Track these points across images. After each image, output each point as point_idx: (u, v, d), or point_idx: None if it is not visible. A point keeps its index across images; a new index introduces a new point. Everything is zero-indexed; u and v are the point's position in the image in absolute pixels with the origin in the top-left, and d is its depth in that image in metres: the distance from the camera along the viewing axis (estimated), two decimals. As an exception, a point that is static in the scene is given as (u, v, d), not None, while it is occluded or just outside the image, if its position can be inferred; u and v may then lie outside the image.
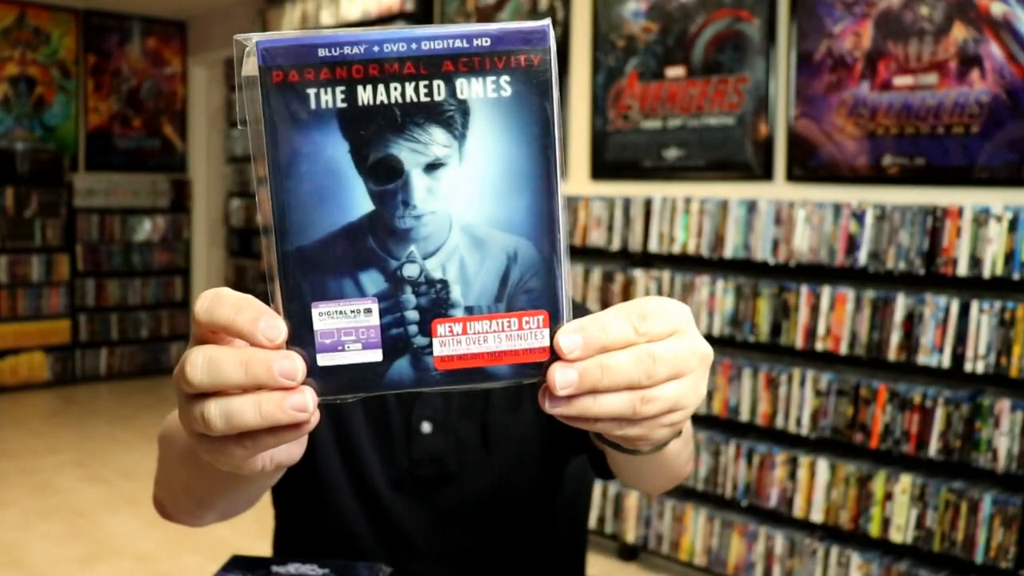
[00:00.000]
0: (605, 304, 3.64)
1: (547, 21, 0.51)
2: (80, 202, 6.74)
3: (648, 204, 3.54)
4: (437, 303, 0.52)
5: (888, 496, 2.87)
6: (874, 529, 2.90)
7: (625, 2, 3.70)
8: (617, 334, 0.52)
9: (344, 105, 0.51)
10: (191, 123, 7.39)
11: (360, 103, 0.51)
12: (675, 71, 3.55)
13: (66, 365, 6.72)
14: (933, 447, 2.76)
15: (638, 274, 3.54)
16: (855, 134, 3.04)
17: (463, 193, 0.51)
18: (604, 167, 3.82)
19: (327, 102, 0.51)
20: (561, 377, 0.51)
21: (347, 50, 0.50)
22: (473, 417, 1.18)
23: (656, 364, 0.53)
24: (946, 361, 2.74)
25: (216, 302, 0.52)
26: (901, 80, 2.92)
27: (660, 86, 3.59)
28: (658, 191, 3.60)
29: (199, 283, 7.30)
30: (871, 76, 2.99)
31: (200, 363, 0.51)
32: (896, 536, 2.85)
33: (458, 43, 0.50)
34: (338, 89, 0.50)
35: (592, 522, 3.70)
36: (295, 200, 0.51)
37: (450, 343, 0.52)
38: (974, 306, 2.69)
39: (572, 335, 0.52)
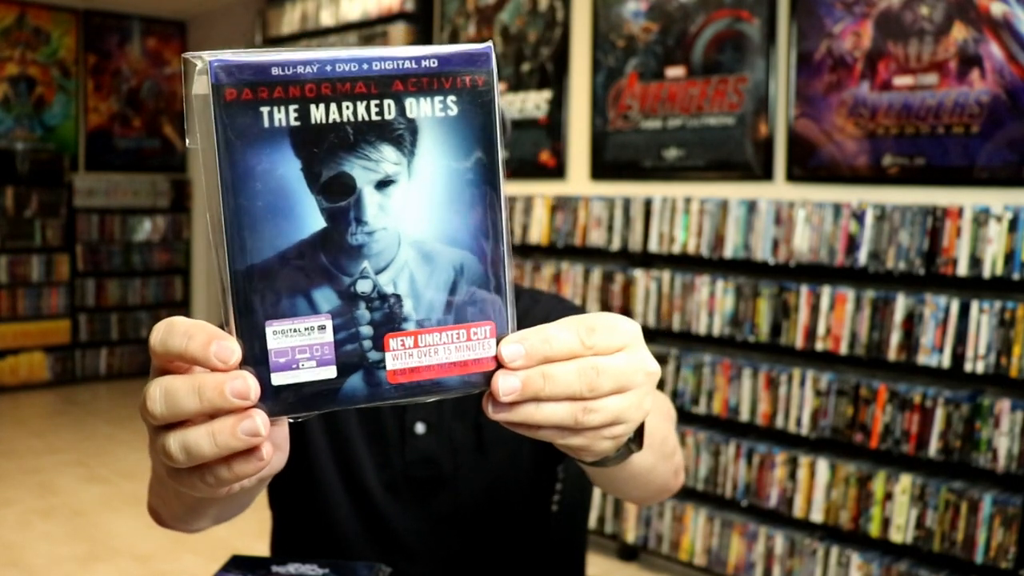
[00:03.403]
0: (605, 304, 3.64)
1: (489, 43, 0.53)
2: (80, 202, 6.74)
3: (648, 204, 3.53)
4: (390, 317, 0.53)
5: (888, 496, 2.87)
6: (874, 529, 2.90)
7: (625, 2, 3.70)
8: (562, 345, 0.54)
9: (297, 123, 0.51)
10: (191, 123, 7.38)
11: (313, 121, 0.51)
12: (675, 71, 3.55)
13: (66, 365, 6.71)
14: (933, 447, 2.76)
15: (638, 274, 3.54)
16: (855, 134, 3.04)
17: (412, 209, 0.53)
18: (604, 167, 3.82)
19: (280, 120, 0.51)
20: (504, 384, 0.53)
21: (300, 69, 0.51)
22: (467, 418, 1.18)
23: (600, 377, 0.55)
24: (946, 361, 2.74)
25: (168, 332, 0.52)
26: (901, 80, 2.92)
27: (660, 86, 3.59)
28: (658, 191, 3.60)
29: (199, 283, 7.30)
30: (871, 76, 2.99)
31: (157, 396, 0.51)
32: (896, 536, 2.85)
33: (407, 64, 0.52)
34: (291, 107, 0.51)
35: (592, 522, 3.70)
36: (247, 218, 0.51)
37: (402, 356, 0.53)
38: (974, 306, 2.69)
39: (514, 345, 0.54)
